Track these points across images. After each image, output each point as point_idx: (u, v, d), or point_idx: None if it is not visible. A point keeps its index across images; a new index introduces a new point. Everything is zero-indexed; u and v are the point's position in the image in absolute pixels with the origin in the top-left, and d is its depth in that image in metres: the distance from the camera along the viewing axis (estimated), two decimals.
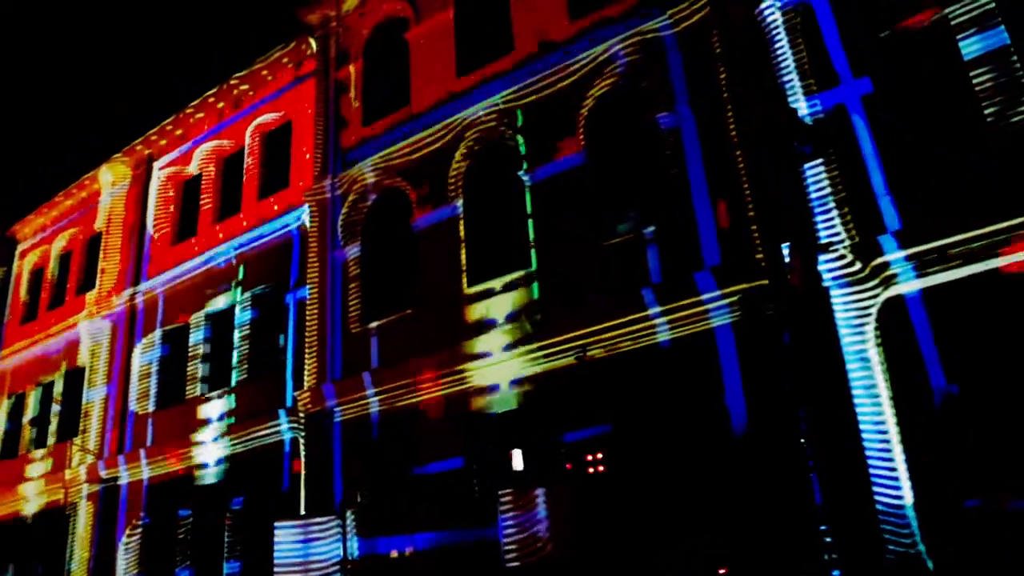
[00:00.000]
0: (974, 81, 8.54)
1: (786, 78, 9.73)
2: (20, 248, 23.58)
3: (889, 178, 8.81)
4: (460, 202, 12.56)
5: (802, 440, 8.36)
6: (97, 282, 19.58)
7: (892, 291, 8.41)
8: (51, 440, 19.48)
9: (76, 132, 43.38)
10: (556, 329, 10.53)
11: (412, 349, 12.05)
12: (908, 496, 7.84)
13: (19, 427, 20.90)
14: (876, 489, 8.00)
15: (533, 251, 11.40)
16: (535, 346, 10.70)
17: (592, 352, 10.23)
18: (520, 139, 12.10)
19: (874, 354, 8.35)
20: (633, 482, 9.67)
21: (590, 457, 10.26)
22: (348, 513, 11.99)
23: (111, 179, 20.51)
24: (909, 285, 8.34)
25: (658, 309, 9.77)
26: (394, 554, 11.65)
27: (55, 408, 19.74)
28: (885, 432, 8.08)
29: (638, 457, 9.72)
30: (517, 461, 10.86)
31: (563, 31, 12.10)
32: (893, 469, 7.95)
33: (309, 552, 11.60)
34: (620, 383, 10.07)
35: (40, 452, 19.63)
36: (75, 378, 19.46)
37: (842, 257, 8.63)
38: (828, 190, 9.05)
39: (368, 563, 11.79)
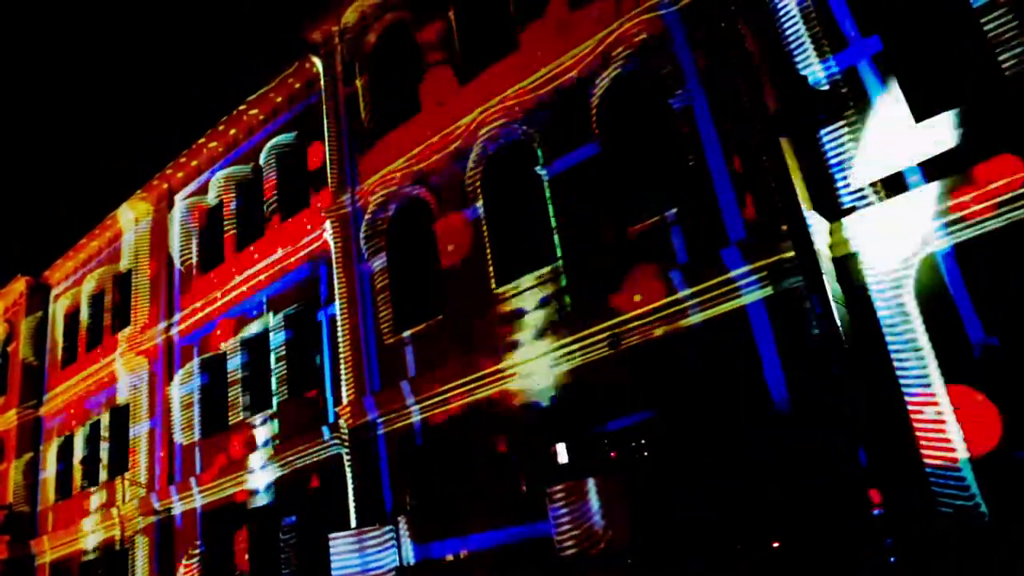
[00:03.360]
0: (985, 28, 8.43)
1: (794, 44, 9.67)
2: (53, 293, 24.11)
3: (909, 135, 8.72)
4: (480, 203, 12.64)
5: (844, 407, 8.37)
6: (131, 319, 19.98)
7: (927, 248, 8.33)
8: (103, 478, 19.92)
9: (96, 172, 44.20)
10: (588, 320, 10.57)
11: (448, 354, 12.18)
12: (962, 451, 7.77)
13: (71, 467, 21.38)
14: (924, 448, 7.94)
15: (558, 244, 11.45)
16: (569, 339, 10.74)
17: (626, 339, 10.26)
18: (533, 134, 12.14)
19: (914, 312, 8.27)
20: (679, 464, 9.70)
21: (635, 444, 10.30)
22: (400, 521, 12.12)
23: (133, 216, 20.89)
24: (941, 241, 8.26)
25: (688, 291, 9.77)
26: (449, 557, 11.77)
27: (104, 446, 20.18)
28: (931, 390, 8.01)
29: (683, 439, 9.74)
30: (562, 455, 10.92)
31: (566, 21, 12.09)
32: (942, 426, 7.87)
33: (366, 562, 11.76)
34: (658, 368, 10.09)
35: (93, 490, 20.08)
36: (120, 415, 19.89)
37: (877, 219, 8.52)
38: (851, 152, 8.97)
39: (424, 568, 11.92)
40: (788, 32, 9.77)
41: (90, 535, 19.52)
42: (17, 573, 21.28)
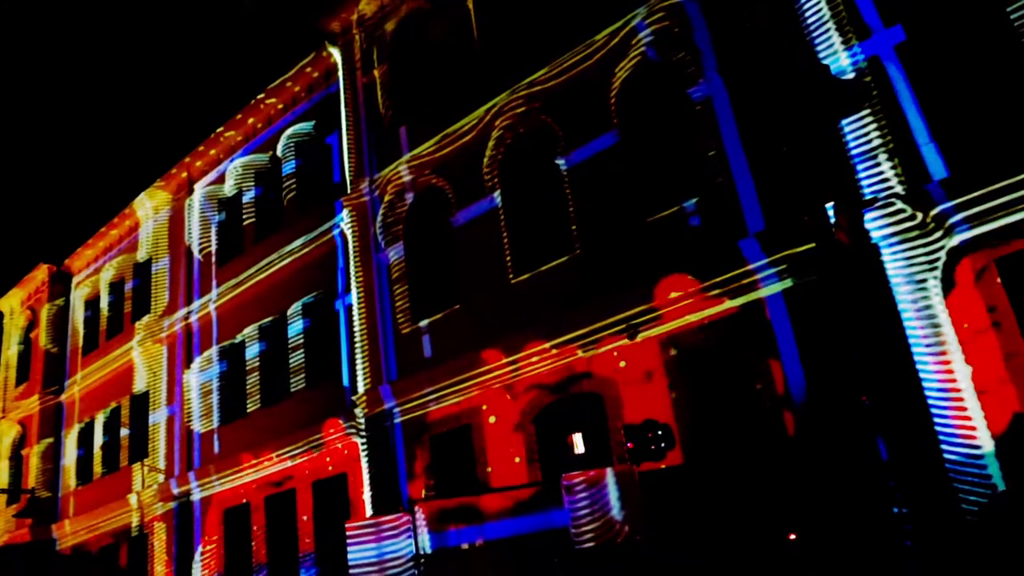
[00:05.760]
0: (1011, 17, 8.28)
1: (817, 32, 9.55)
2: (75, 281, 24.40)
3: (932, 126, 8.60)
4: (498, 193, 12.61)
5: (864, 400, 8.32)
6: (151, 307, 20.18)
7: (953, 240, 8.22)
8: (123, 463, 20.19)
9: (118, 161, 44.66)
10: (605, 310, 10.55)
11: (465, 344, 12.18)
12: (988, 445, 7.69)
13: (91, 453, 21.70)
14: (946, 443, 7.87)
15: (576, 235, 11.41)
16: (586, 329, 10.74)
17: (643, 330, 10.25)
18: (552, 123, 12.09)
19: (940, 307, 8.15)
20: (695, 457, 9.68)
21: (651, 435, 10.26)
22: (417, 509, 12.18)
23: (152, 206, 21.06)
24: (964, 233, 8.15)
25: (706, 282, 9.71)
26: (464, 546, 11.82)
27: (124, 432, 20.43)
28: (956, 385, 7.91)
29: (698, 432, 9.72)
30: (579, 445, 10.94)
31: (586, 8, 12.01)
32: (968, 422, 7.77)
33: (383, 550, 11.83)
34: (674, 359, 10.06)
35: (113, 475, 20.37)
36: (140, 402, 20.13)
37: (900, 211, 8.39)
38: (875, 143, 8.84)
39: (440, 556, 11.98)
40: (810, 20, 9.64)
41: (110, 520, 19.81)
42: (39, 556, 21.64)
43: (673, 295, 9.96)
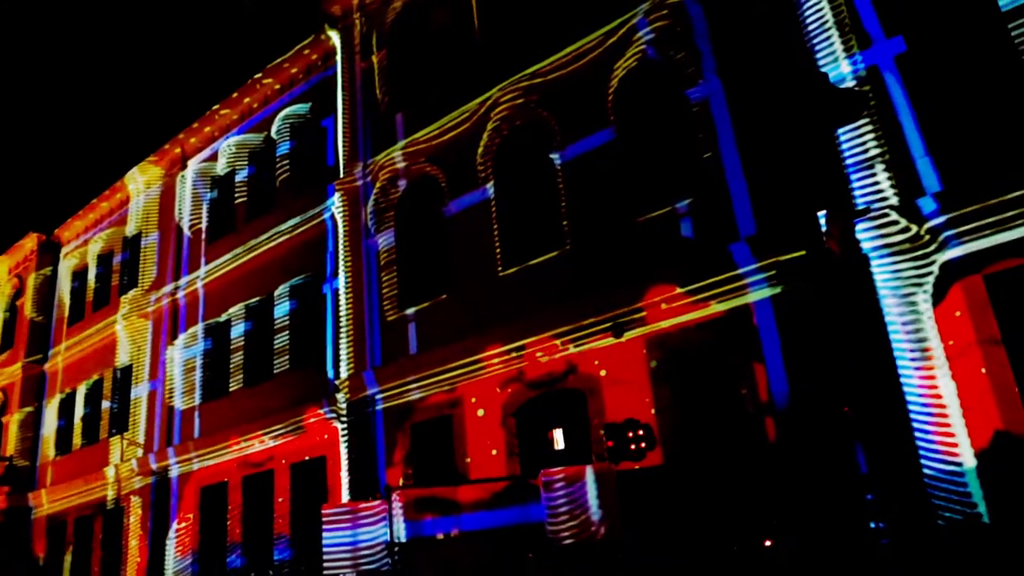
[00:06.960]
0: (1013, 34, 8.25)
1: (817, 40, 9.51)
2: (64, 251, 24.24)
3: (928, 139, 8.57)
4: (491, 185, 12.55)
5: (846, 411, 8.32)
6: (138, 281, 20.06)
7: (945, 255, 8.18)
8: (102, 436, 20.12)
9: (114, 135, 44.35)
10: (592, 307, 10.51)
11: (450, 334, 12.12)
12: (969, 461, 7.69)
13: (71, 424, 21.60)
14: (927, 457, 7.87)
15: (567, 230, 11.35)
16: (572, 326, 10.70)
17: (630, 329, 10.21)
18: (548, 117, 12.01)
19: (928, 321, 8.12)
20: (675, 458, 9.67)
21: (631, 435, 10.26)
22: (394, 497, 12.15)
23: (144, 180, 20.92)
24: (956, 248, 8.12)
25: (695, 284, 9.67)
26: (440, 536, 11.80)
27: (105, 405, 20.35)
28: (940, 400, 7.90)
29: (679, 434, 9.70)
30: (559, 441, 10.92)
31: (588, 3, 11.91)
32: (950, 438, 7.77)
33: (357, 536, 11.80)
34: (659, 360, 10.03)
35: (92, 447, 20.29)
36: (122, 375, 20.03)
37: (892, 222, 8.36)
38: (871, 153, 8.80)
39: (415, 545, 11.96)
40: (811, 26, 9.59)
41: (86, 492, 19.72)
42: (14, 524, 21.58)
43: (661, 296, 9.92)
